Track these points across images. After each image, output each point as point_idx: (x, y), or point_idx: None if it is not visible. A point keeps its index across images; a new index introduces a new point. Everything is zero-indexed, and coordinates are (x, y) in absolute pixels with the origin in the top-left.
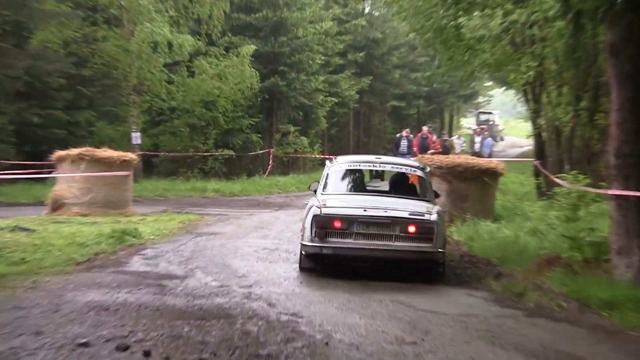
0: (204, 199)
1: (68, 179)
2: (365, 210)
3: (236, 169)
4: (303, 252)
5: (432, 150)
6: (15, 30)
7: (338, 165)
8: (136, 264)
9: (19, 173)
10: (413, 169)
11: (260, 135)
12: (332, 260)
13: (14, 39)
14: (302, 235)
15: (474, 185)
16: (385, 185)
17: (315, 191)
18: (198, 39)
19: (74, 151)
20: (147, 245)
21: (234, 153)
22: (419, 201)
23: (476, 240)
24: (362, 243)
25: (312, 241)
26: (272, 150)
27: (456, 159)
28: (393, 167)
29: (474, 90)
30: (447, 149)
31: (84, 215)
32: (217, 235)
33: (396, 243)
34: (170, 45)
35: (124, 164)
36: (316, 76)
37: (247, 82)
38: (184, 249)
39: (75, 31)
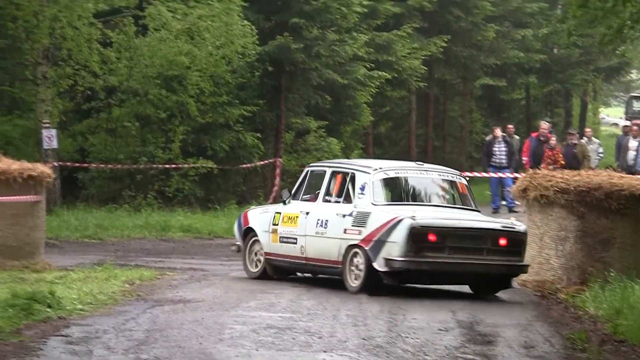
0: (165, 243)
1: None
2: (460, 221)
3: (219, 191)
4: (386, 268)
5: (549, 162)
6: None
7: (384, 173)
8: (54, 352)
9: None
10: (458, 177)
11: (259, 136)
12: (426, 279)
13: None
14: (383, 250)
15: (623, 222)
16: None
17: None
18: None
19: None
20: (71, 321)
21: (214, 165)
22: (476, 212)
23: (627, 315)
24: (457, 257)
25: (406, 256)
26: (279, 160)
27: (592, 176)
28: (439, 175)
29: (623, 60)
30: (575, 160)
31: None
32: (189, 303)
33: (487, 257)
34: None
35: (28, 184)
36: (354, 34)
37: (236, 45)
38: (133, 327)
39: None
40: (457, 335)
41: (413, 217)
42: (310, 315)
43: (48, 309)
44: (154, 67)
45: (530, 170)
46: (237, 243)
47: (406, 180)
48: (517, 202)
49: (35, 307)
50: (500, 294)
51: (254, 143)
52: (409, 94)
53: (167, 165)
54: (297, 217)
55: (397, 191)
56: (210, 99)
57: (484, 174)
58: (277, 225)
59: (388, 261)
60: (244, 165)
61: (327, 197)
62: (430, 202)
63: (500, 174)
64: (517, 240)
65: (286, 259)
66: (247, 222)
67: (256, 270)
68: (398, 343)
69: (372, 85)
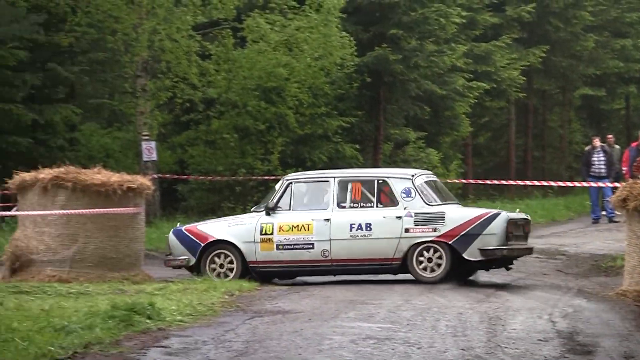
0: None
1: (36, 220)
2: (515, 214)
3: None
4: (482, 257)
5: None
6: None
7: (421, 178)
8: None
9: None
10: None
11: (358, 147)
12: (502, 263)
13: None
14: (476, 242)
15: None
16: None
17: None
18: None
19: (44, 174)
20: (171, 332)
21: None
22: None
23: None
24: (518, 243)
25: (503, 245)
26: None
27: None
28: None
29: None
30: None
31: (65, 280)
32: (288, 314)
33: (524, 242)
34: None
35: (128, 196)
36: (453, 45)
37: (335, 56)
38: (232, 338)
39: None
40: (557, 345)
41: (501, 212)
42: (410, 325)
43: (148, 320)
44: (253, 79)
45: (630, 180)
46: (181, 258)
47: (431, 184)
48: (617, 212)
49: (135, 319)
50: (601, 304)
51: (352, 154)
52: (508, 105)
53: (266, 177)
54: (308, 224)
55: (433, 192)
56: (309, 110)
57: (584, 184)
58: (271, 234)
59: (485, 251)
60: None
61: (342, 204)
62: (450, 200)
63: (600, 184)
64: (528, 227)
65: (292, 264)
66: (202, 238)
67: (228, 279)
68: (497, 353)
69: (471, 95)
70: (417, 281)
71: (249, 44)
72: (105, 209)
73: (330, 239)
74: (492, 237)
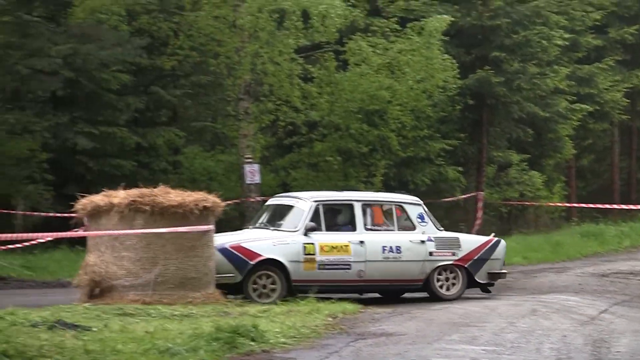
0: None
1: (114, 245)
2: None
3: None
4: (488, 280)
5: None
6: None
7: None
8: None
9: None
10: None
11: (461, 169)
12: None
13: (45, 9)
14: (484, 266)
15: None
16: None
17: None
18: (353, 5)
19: (119, 198)
20: (274, 354)
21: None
22: None
23: None
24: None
25: (502, 268)
26: (480, 194)
27: None
28: None
29: None
30: None
31: (148, 304)
32: (392, 337)
33: None
34: (306, 15)
35: (203, 215)
36: (555, 67)
37: (437, 79)
38: None
39: None
40: None
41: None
42: (514, 348)
43: (252, 343)
44: (355, 102)
45: None
46: (227, 275)
47: None
48: None
49: (238, 341)
50: None
51: (455, 176)
52: (612, 127)
53: None
54: (346, 246)
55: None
56: (411, 132)
57: None
58: (314, 254)
59: (491, 274)
60: (446, 199)
61: (368, 227)
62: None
63: None
64: None
65: (332, 283)
66: (251, 255)
67: (269, 300)
68: None
69: (574, 118)
70: (524, 302)
71: (351, 66)
72: (181, 228)
73: (365, 260)
74: (497, 262)
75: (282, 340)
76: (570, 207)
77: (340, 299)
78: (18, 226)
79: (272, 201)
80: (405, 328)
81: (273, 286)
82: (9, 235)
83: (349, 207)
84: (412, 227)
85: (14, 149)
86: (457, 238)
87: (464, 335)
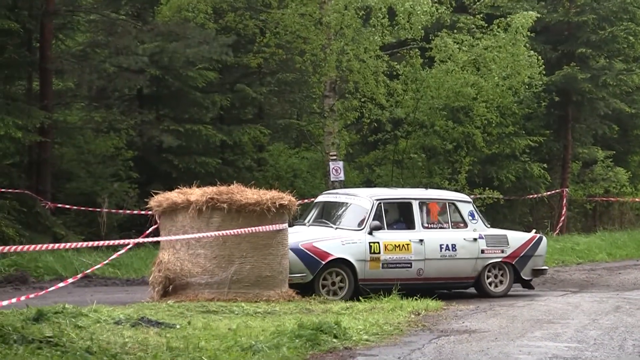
0: None
1: (189, 242)
2: None
3: (505, 222)
4: (532, 277)
5: None
6: None
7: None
8: None
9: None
10: None
11: (546, 166)
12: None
13: (131, 7)
14: (529, 263)
15: None
16: None
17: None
18: (439, 2)
19: (197, 194)
20: (357, 351)
21: (501, 196)
22: None
23: None
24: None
25: (545, 264)
26: (565, 190)
27: None
28: None
29: None
30: None
31: (222, 301)
32: (475, 334)
33: None
34: (392, 13)
35: (280, 213)
36: None
37: (522, 75)
38: (419, 357)
39: None
40: None
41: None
42: (597, 345)
43: (334, 340)
44: (440, 99)
45: None
46: (299, 275)
47: None
48: None
49: (321, 338)
50: None
51: (540, 173)
52: None
53: None
54: (407, 244)
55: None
56: (496, 129)
57: None
58: (379, 253)
59: (535, 271)
60: (531, 196)
61: (426, 225)
62: None
63: None
64: None
65: (393, 282)
66: (322, 255)
67: (338, 297)
68: None
69: None
70: (607, 300)
71: (437, 63)
72: (257, 227)
73: (425, 259)
74: (540, 259)
75: (365, 337)
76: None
77: (423, 296)
78: (102, 224)
79: (323, 198)
80: (488, 325)
81: (342, 284)
82: (95, 242)
83: (407, 205)
84: (464, 225)
85: (99, 147)
86: (505, 235)
87: (546, 332)
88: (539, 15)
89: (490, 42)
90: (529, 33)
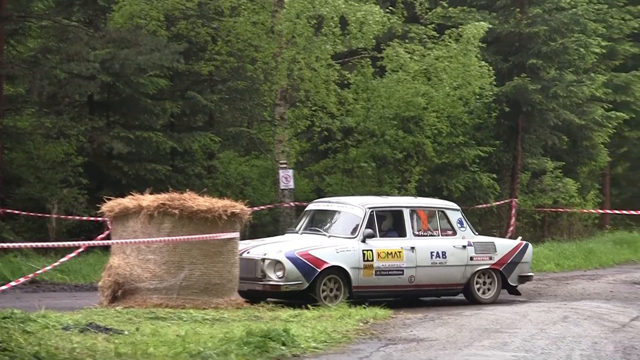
0: None
1: (139, 248)
2: None
3: None
4: (518, 283)
5: None
6: (85, 1)
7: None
8: None
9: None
10: None
11: (495, 176)
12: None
13: (83, 13)
14: (516, 270)
15: None
16: None
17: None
18: (391, 12)
19: (148, 199)
20: (305, 359)
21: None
22: None
23: None
24: None
25: (530, 271)
26: (514, 201)
27: None
28: None
29: None
30: None
31: (170, 307)
32: (422, 342)
33: None
34: (344, 22)
35: (231, 221)
36: (592, 75)
37: (473, 85)
38: None
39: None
40: None
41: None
42: (544, 354)
43: (282, 347)
44: (391, 108)
45: None
46: (295, 283)
47: None
48: None
49: (270, 345)
50: None
51: (489, 183)
52: None
53: None
54: (399, 252)
55: None
56: (446, 139)
57: None
58: (372, 261)
59: (521, 277)
60: (480, 206)
61: (416, 232)
62: None
63: None
64: None
65: (386, 289)
66: (318, 263)
67: (335, 303)
68: None
69: (610, 125)
70: (556, 309)
71: (388, 73)
72: (209, 235)
73: (416, 266)
74: (526, 265)
75: (313, 345)
76: (603, 213)
77: (372, 304)
78: (52, 230)
79: (314, 206)
80: (436, 334)
81: (338, 292)
82: (46, 244)
83: (398, 213)
84: (453, 232)
85: (49, 152)
86: (493, 242)
87: (494, 341)
88: (490, 26)
89: (442, 52)
90: (480, 44)
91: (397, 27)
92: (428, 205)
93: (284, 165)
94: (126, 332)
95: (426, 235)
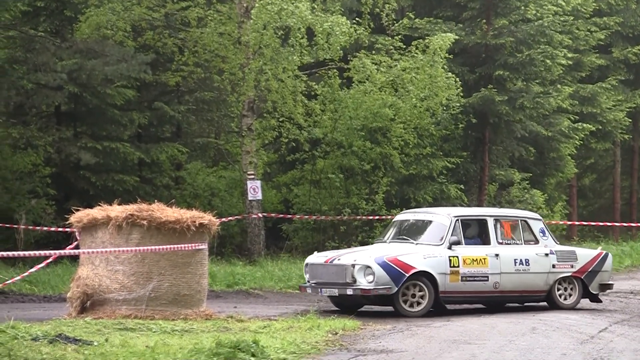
0: None
1: (108, 258)
2: None
3: None
4: (598, 291)
5: None
6: (52, 11)
7: None
8: None
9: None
10: None
11: (463, 187)
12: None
13: (50, 24)
14: (596, 278)
15: None
16: None
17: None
18: (357, 23)
19: (117, 212)
20: None
21: None
22: None
23: None
24: None
25: (610, 279)
26: None
27: None
28: None
29: None
30: None
31: (139, 318)
32: (392, 354)
33: None
34: (310, 33)
35: (199, 232)
36: (558, 87)
37: (440, 97)
38: None
39: (152, 10)
40: None
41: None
42: None
43: (252, 358)
44: (358, 119)
45: None
46: (385, 287)
47: None
48: None
49: (239, 356)
50: None
51: (457, 194)
52: (614, 146)
53: (370, 217)
54: (484, 259)
55: None
56: (414, 150)
57: None
58: (458, 267)
59: (602, 285)
60: None
61: (500, 241)
62: None
63: None
64: None
65: (471, 294)
66: (407, 268)
67: (418, 309)
68: None
69: (576, 137)
70: (524, 320)
71: (355, 84)
72: (177, 245)
73: (500, 272)
74: (606, 274)
75: (283, 356)
76: (571, 225)
77: (340, 315)
78: (20, 240)
79: (401, 217)
80: (405, 345)
81: (421, 294)
82: (13, 252)
83: (483, 222)
84: (536, 241)
85: (17, 163)
86: (575, 251)
87: (463, 353)
88: (457, 38)
89: (409, 63)
90: (447, 55)
91: (363, 38)
92: (511, 215)
93: (252, 177)
94: (95, 343)
95: (510, 244)
